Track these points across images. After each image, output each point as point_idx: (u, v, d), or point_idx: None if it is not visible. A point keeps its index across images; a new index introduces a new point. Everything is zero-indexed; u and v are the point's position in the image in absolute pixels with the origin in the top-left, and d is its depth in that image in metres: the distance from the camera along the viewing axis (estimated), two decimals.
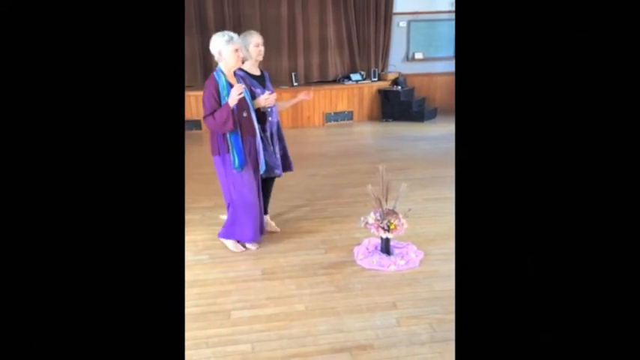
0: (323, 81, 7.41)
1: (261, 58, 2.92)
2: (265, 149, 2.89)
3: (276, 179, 3.15)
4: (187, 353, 1.98)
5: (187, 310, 2.30)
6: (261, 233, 2.93)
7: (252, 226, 2.82)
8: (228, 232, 2.90)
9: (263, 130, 2.91)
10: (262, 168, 2.80)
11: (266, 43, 7.79)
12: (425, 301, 2.33)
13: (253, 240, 2.89)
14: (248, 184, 2.73)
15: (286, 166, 3.13)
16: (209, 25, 6.84)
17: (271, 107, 2.96)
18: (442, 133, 6.20)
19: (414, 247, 2.87)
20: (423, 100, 7.39)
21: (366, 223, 2.79)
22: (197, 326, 2.17)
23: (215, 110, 2.54)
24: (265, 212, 3.15)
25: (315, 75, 7.42)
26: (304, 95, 3.25)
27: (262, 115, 2.85)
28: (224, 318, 2.24)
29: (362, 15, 7.35)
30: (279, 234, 3.16)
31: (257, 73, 2.96)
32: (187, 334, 2.11)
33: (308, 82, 7.34)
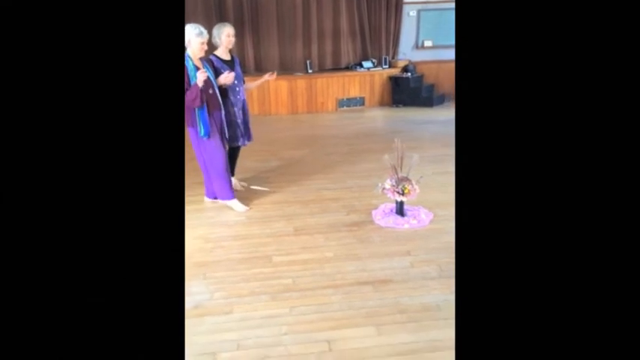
0: (336, 68, 7.78)
1: (231, 47, 3.49)
2: (229, 122, 3.48)
3: (296, 156, 3.58)
4: (240, 286, 2.43)
5: (234, 256, 2.76)
6: None
7: (227, 186, 3.38)
8: (211, 192, 3.47)
9: (232, 104, 3.51)
10: (227, 136, 3.40)
11: (281, 32, 8.16)
12: (434, 249, 2.76)
13: (232, 198, 3.42)
14: (216, 149, 3.25)
15: (247, 136, 3.73)
16: (228, 13, 7.22)
17: (239, 87, 3.55)
18: (450, 117, 6.57)
19: (425, 210, 3.28)
20: (432, 87, 7.75)
21: (383, 188, 3.21)
22: (244, 267, 2.62)
23: (186, 89, 3.03)
24: (232, 174, 3.77)
25: (329, 62, 7.79)
26: (268, 76, 3.83)
27: (224, 91, 3.43)
28: (266, 261, 2.68)
29: (374, 4, 7.69)
30: (305, 200, 3.60)
31: (227, 58, 3.53)
32: (237, 273, 2.56)
33: (322, 69, 7.72)
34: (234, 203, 3.43)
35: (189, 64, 3.05)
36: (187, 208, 3.46)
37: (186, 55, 3.09)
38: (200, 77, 2.99)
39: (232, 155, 3.74)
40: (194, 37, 3.05)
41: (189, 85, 3.04)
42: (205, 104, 3.11)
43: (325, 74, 7.54)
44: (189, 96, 3.02)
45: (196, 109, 3.09)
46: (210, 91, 3.15)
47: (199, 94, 3.02)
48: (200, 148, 3.24)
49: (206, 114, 3.12)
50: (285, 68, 7.59)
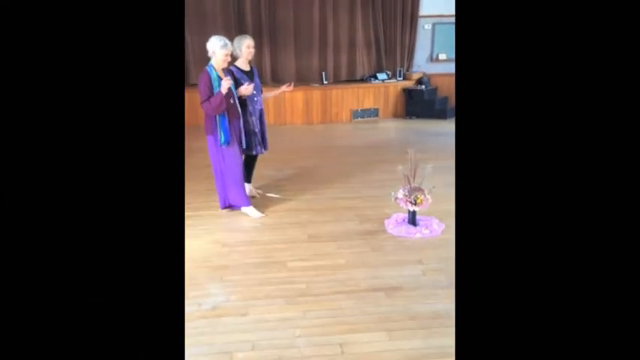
0: (351, 80, 7.89)
1: (250, 58, 3.66)
2: (247, 131, 3.57)
3: (311, 166, 3.67)
4: (256, 289, 2.50)
5: (250, 261, 2.84)
6: None
7: (242, 193, 3.47)
8: (224, 201, 3.53)
9: (250, 114, 3.61)
10: (244, 145, 3.48)
11: (298, 44, 8.34)
12: (445, 259, 2.80)
13: (249, 204, 3.50)
14: (234, 157, 3.35)
15: (264, 145, 3.83)
16: (247, 25, 7.40)
17: (257, 97, 3.66)
18: None
19: (437, 220, 3.33)
20: (445, 99, 7.80)
21: (396, 197, 3.27)
22: (259, 271, 2.70)
23: (210, 97, 3.16)
24: (248, 181, 3.88)
25: (344, 74, 7.91)
26: (286, 87, 3.97)
27: (243, 101, 3.54)
28: (281, 266, 2.75)
29: (389, 18, 7.81)
30: (319, 209, 3.67)
31: (247, 68, 3.66)
32: (252, 277, 2.64)
33: (337, 81, 7.84)
34: (250, 210, 3.52)
35: (212, 74, 3.18)
36: (204, 213, 3.56)
37: (209, 65, 3.22)
38: (225, 84, 3.13)
39: (249, 164, 3.85)
40: (219, 49, 3.17)
41: (213, 93, 3.16)
42: (226, 112, 3.23)
43: (340, 85, 7.65)
44: (213, 103, 3.15)
45: (217, 118, 3.21)
46: (231, 101, 3.28)
47: (223, 100, 3.14)
48: (218, 155, 3.35)
49: (227, 122, 3.25)
50: (301, 79, 7.73)
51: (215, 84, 3.17)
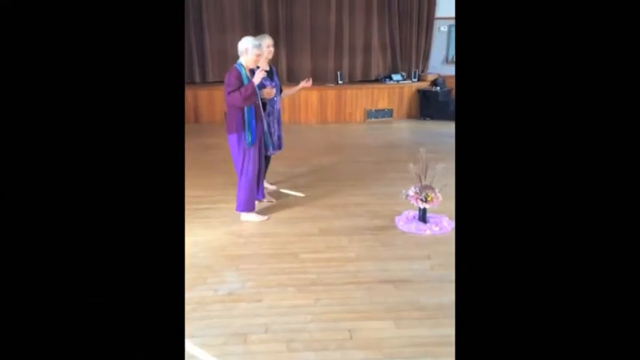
0: (366, 80, 7.98)
1: (270, 57, 3.73)
2: (265, 132, 3.64)
3: (324, 164, 3.75)
4: (269, 277, 2.61)
5: (264, 251, 2.95)
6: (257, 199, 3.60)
7: (247, 198, 3.39)
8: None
9: (268, 114, 3.72)
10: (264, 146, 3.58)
11: (314, 44, 8.40)
12: (454, 255, 2.87)
13: (245, 210, 3.42)
14: (253, 160, 3.35)
15: (279, 145, 3.92)
16: (264, 26, 7.54)
17: (276, 97, 3.77)
18: None
19: (447, 218, 3.40)
20: None
21: (407, 195, 3.36)
22: (273, 261, 2.81)
23: (239, 88, 3.11)
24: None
25: (359, 74, 8.00)
26: (305, 83, 4.04)
27: (263, 104, 3.61)
28: (293, 257, 2.86)
29: (405, 20, 7.87)
30: (331, 204, 3.77)
31: (266, 68, 3.75)
32: (266, 267, 2.75)
33: (352, 81, 7.93)
34: (251, 216, 3.46)
35: (242, 72, 3.24)
36: (221, 206, 3.69)
37: (239, 63, 3.28)
38: (259, 75, 3.19)
39: (265, 164, 3.92)
40: (251, 48, 3.21)
41: (242, 86, 3.18)
42: (254, 112, 3.28)
43: (355, 85, 7.73)
44: (244, 93, 3.13)
45: (247, 117, 3.23)
46: (256, 102, 3.35)
47: (255, 91, 3.19)
48: (241, 156, 3.34)
49: (254, 122, 3.28)
50: (317, 79, 7.82)
51: (245, 82, 3.20)
